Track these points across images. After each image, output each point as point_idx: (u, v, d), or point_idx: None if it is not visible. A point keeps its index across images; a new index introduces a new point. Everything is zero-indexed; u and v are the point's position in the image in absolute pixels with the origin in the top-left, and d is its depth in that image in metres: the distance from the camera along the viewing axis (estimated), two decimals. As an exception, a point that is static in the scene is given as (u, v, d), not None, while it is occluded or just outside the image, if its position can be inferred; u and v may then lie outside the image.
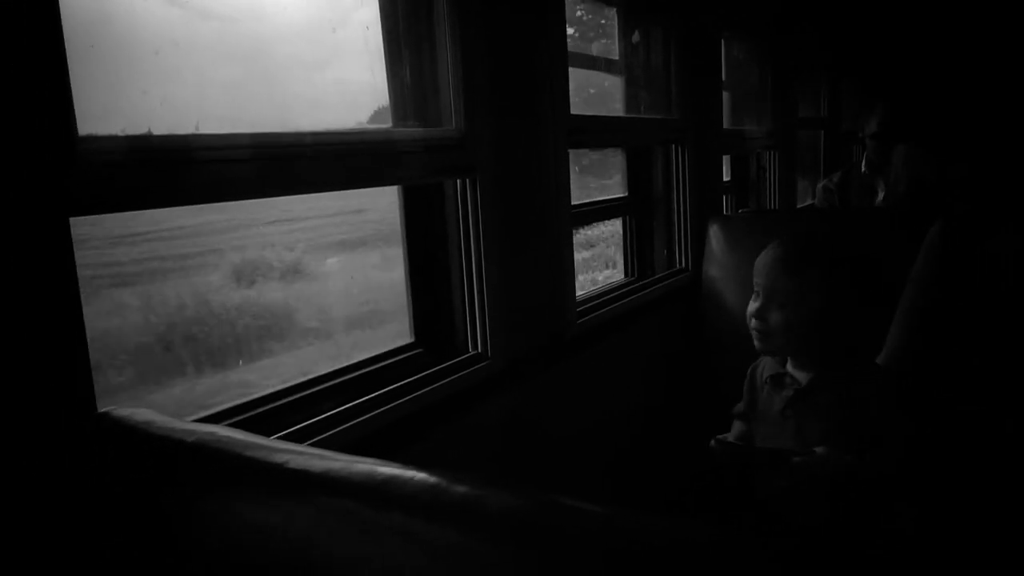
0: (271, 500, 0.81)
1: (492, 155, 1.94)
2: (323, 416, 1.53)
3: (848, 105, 6.24)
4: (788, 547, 0.66)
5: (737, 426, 1.98)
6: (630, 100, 2.99)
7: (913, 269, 2.28)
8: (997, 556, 1.81)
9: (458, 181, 1.91)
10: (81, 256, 1.10)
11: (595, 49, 3.13)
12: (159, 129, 1.30)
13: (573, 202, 2.32)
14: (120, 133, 1.23)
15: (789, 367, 1.88)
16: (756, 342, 1.85)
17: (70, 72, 1.09)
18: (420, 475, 0.75)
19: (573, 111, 2.28)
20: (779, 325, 1.78)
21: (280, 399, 1.56)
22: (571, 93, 2.28)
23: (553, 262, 2.21)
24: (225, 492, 0.84)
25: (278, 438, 1.42)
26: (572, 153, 2.30)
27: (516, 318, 2.04)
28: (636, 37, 2.99)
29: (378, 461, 0.80)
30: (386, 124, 1.86)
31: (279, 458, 0.83)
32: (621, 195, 3.02)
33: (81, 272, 1.10)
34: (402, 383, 1.73)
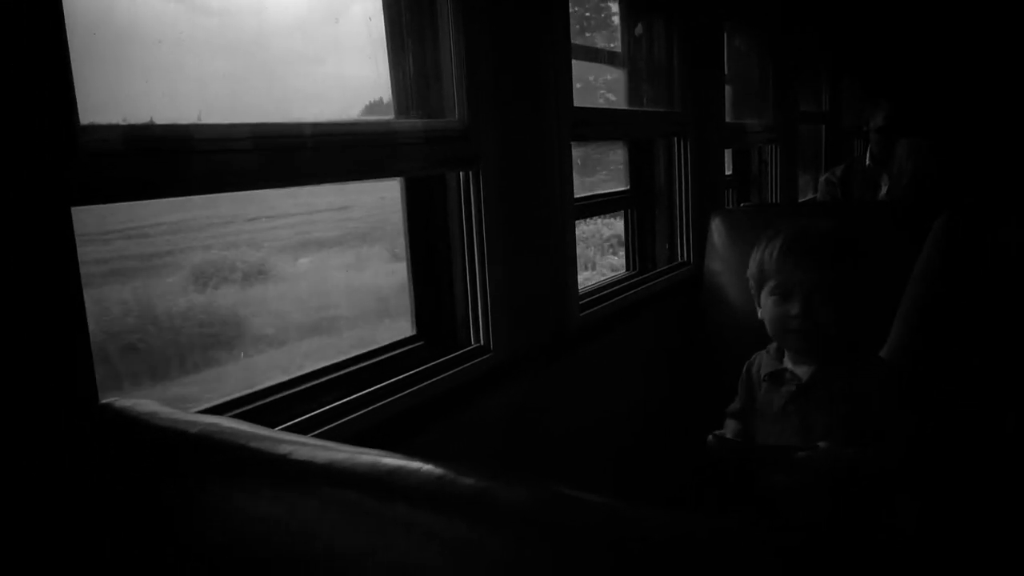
0: (274, 491, 0.80)
1: (495, 147, 1.93)
2: (325, 408, 1.53)
3: (849, 100, 6.24)
4: (793, 541, 0.65)
5: (732, 425, 1.95)
6: (632, 93, 2.98)
7: (917, 263, 2.27)
8: (998, 551, 1.80)
9: (461, 173, 1.90)
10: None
11: (591, 42, 3.12)
12: (161, 120, 1.29)
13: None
14: (122, 122, 1.22)
15: (788, 363, 1.86)
16: (796, 344, 1.80)
17: (72, 61, 1.09)
18: (426, 467, 0.75)
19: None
20: (830, 320, 1.75)
21: (282, 391, 1.55)
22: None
23: (555, 255, 2.20)
24: (228, 483, 0.84)
25: (282, 430, 1.42)
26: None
27: (518, 311, 2.03)
28: (639, 29, 2.98)
29: (382, 452, 0.79)
30: (381, 116, 1.86)
31: (283, 449, 0.82)
32: (622, 189, 3.01)
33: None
34: (404, 376, 1.73)
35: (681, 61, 3.04)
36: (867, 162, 4.10)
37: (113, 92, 1.33)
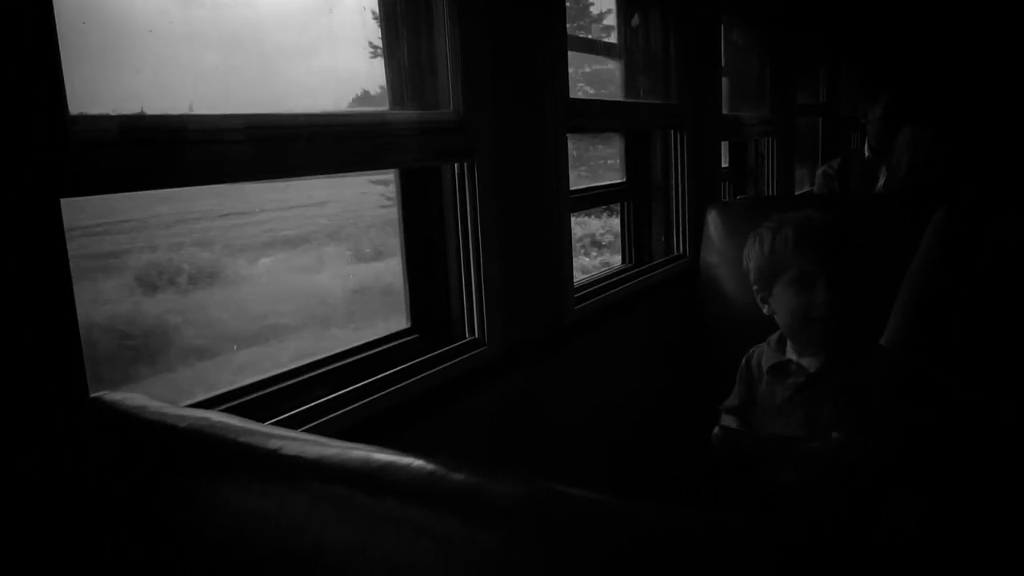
0: (265, 486, 0.80)
1: (491, 139, 1.92)
2: (318, 402, 1.52)
3: (847, 91, 6.23)
4: (791, 537, 0.65)
5: (729, 421, 1.94)
6: (628, 84, 2.97)
7: (916, 255, 2.26)
8: (1000, 545, 1.80)
9: (456, 165, 1.89)
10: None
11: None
12: (152, 110, 1.28)
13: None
14: (112, 113, 1.21)
15: (792, 355, 1.86)
16: (818, 334, 1.78)
17: (62, 51, 1.08)
18: (417, 462, 0.74)
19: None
20: (857, 307, 1.74)
21: (275, 384, 1.54)
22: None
23: (551, 247, 2.19)
24: (218, 478, 0.83)
25: (273, 423, 1.41)
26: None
27: (514, 303, 2.03)
28: (635, 21, 2.97)
29: (374, 448, 0.78)
30: (369, 107, 1.85)
31: (273, 444, 0.81)
32: (616, 182, 3.00)
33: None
34: (398, 369, 1.72)
35: (678, 53, 3.04)
36: (865, 154, 4.10)
37: (103, 83, 1.32)
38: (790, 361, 1.85)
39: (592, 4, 3.00)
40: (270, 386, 1.53)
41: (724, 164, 4.00)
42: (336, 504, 0.74)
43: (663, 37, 3.04)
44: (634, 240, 3.05)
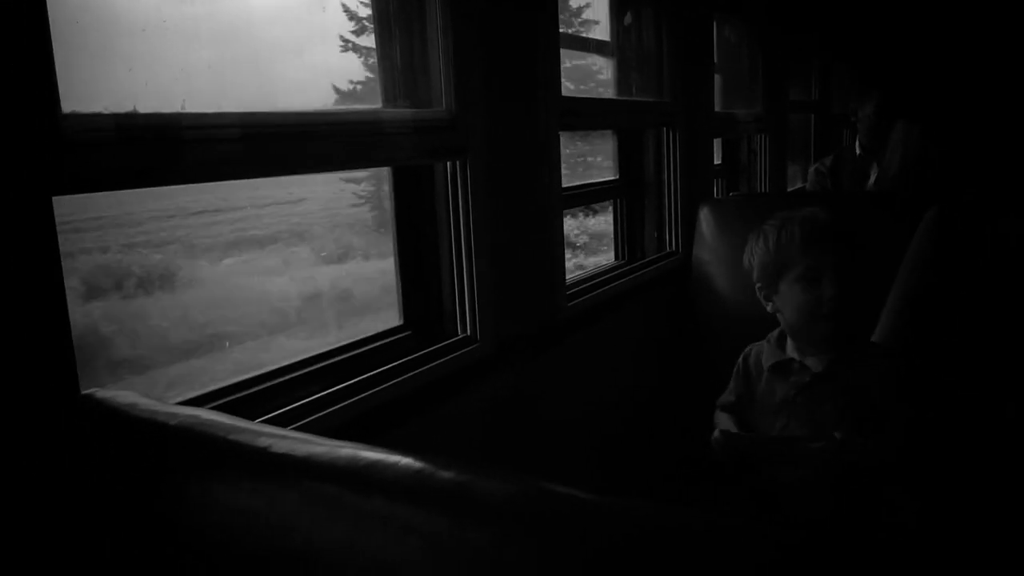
0: (254, 484, 0.80)
1: (483, 137, 1.92)
2: (310, 399, 1.52)
3: (839, 88, 6.24)
4: (786, 538, 0.65)
5: (724, 418, 1.93)
6: (621, 82, 2.98)
7: (908, 253, 2.27)
8: (1000, 545, 1.80)
9: (448, 163, 1.89)
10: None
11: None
12: (144, 109, 1.28)
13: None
14: (105, 111, 1.21)
15: (794, 354, 1.86)
16: (826, 331, 1.77)
17: (55, 49, 1.08)
18: (405, 460, 0.74)
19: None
20: (862, 303, 1.74)
21: (267, 381, 1.55)
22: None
23: (544, 244, 2.20)
24: (208, 475, 0.84)
25: (264, 421, 1.41)
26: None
27: (506, 301, 2.03)
28: (628, 19, 2.97)
29: (362, 446, 0.79)
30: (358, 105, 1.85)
31: (262, 442, 0.82)
32: (608, 179, 3.01)
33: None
34: (390, 366, 1.72)
35: (670, 51, 3.04)
36: (857, 152, 4.11)
37: (96, 80, 1.32)
38: (792, 360, 1.84)
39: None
40: (262, 383, 1.54)
41: (717, 161, 4.01)
42: (324, 502, 0.75)
43: (656, 35, 3.04)
44: (627, 237, 3.05)
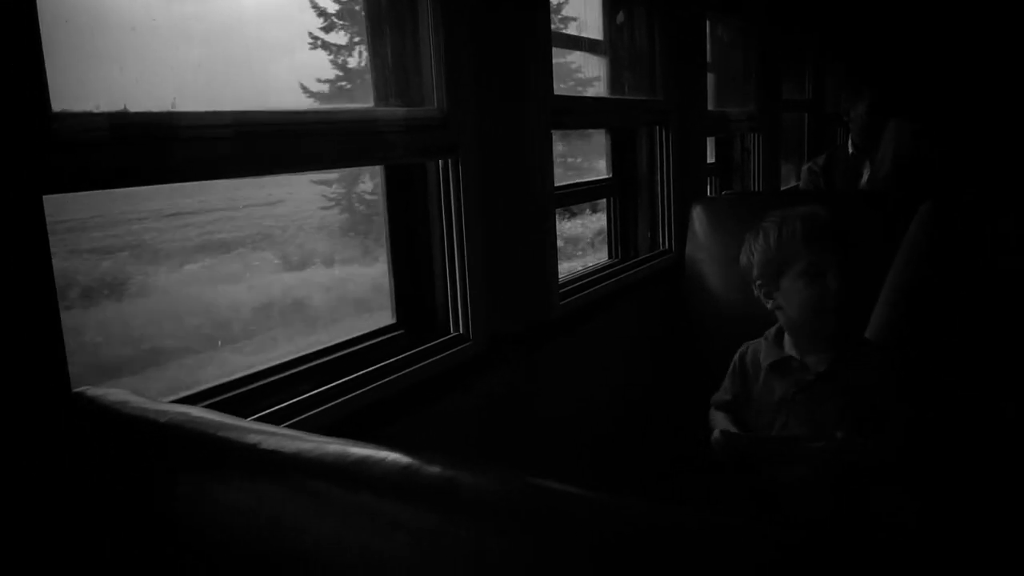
0: (243, 480, 0.81)
1: (475, 135, 1.93)
2: (302, 397, 1.53)
3: (833, 87, 6.25)
4: (788, 538, 0.65)
5: (720, 417, 1.93)
6: (614, 81, 2.98)
7: (901, 247, 2.27)
8: (1000, 546, 1.81)
9: (440, 161, 1.90)
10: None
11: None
12: (135, 107, 1.28)
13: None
14: (95, 110, 1.21)
15: (792, 352, 1.86)
16: (830, 326, 1.78)
17: (44, 47, 1.08)
18: (392, 456, 0.75)
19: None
20: (862, 298, 1.74)
21: (260, 380, 1.55)
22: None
23: (536, 243, 2.20)
24: (198, 472, 0.84)
25: (257, 419, 1.41)
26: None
27: (498, 299, 2.03)
28: (620, 18, 2.98)
29: (350, 442, 0.79)
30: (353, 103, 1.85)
31: (252, 439, 0.82)
32: (605, 176, 3.01)
33: None
34: (382, 365, 1.73)
35: (663, 49, 3.04)
36: (850, 151, 4.11)
37: (87, 79, 1.32)
38: (791, 358, 1.84)
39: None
40: (255, 381, 1.54)
41: (710, 160, 4.01)
42: (313, 497, 0.75)
43: (648, 34, 3.05)
44: (620, 235, 3.06)
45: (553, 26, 2.74)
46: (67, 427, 1.01)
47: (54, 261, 1.06)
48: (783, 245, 1.78)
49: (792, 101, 5.47)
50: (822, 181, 4.16)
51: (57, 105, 1.11)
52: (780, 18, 4.56)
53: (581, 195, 2.90)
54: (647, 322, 2.93)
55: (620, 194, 3.05)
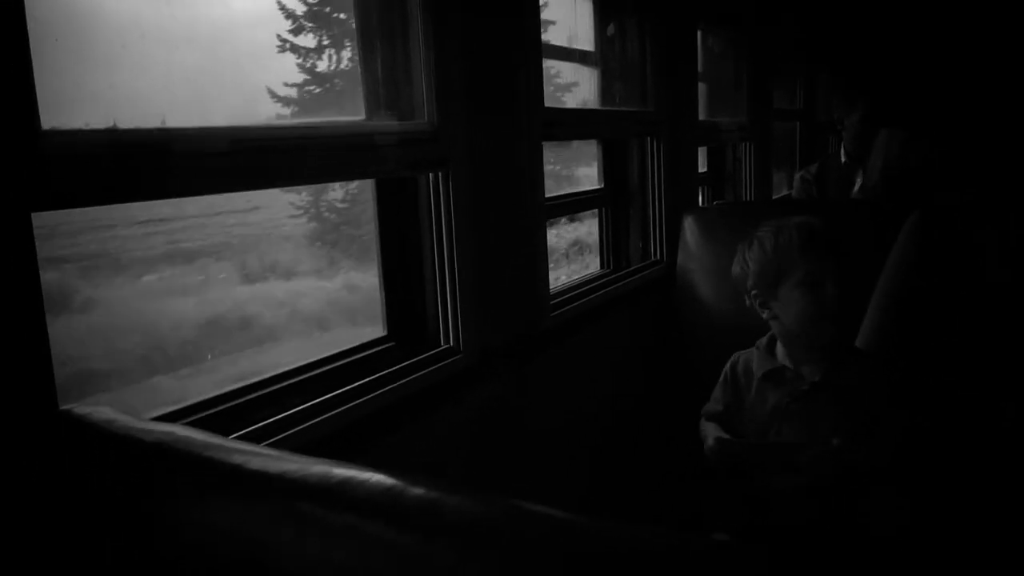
0: (227, 500, 0.81)
1: (465, 148, 1.93)
2: (291, 412, 1.53)
3: (824, 96, 6.27)
4: (760, 558, 0.65)
5: (711, 428, 1.92)
6: (605, 92, 2.99)
7: (890, 258, 2.28)
8: (999, 548, 1.81)
9: (431, 174, 1.90)
10: None
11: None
12: (125, 122, 1.29)
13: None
14: (84, 127, 1.22)
15: (785, 361, 1.86)
16: (827, 335, 1.79)
17: (34, 65, 1.08)
18: (376, 477, 0.75)
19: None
20: (857, 306, 1.74)
21: (250, 393, 1.55)
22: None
23: (527, 254, 2.20)
24: (182, 492, 0.84)
25: (246, 434, 1.41)
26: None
27: (489, 311, 2.04)
28: (611, 29, 2.99)
29: (335, 462, 0.80)
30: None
31: (236, 459, 0.83)
32: (589, 185, 3.02)
33: None
34: (372, 378, 1.73)
35: (654, 60, 3.05)
36: (842, 159, 4.13)
37: (76, 93, 1.32)
38: (785, 368, 1.85)
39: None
40: (245, 395, 1.54)
41: (702, 169, 4.03)
42: (297, 518, 0.75)
43: (639, 45, 3.06)
44: (611, 246, 3.07)
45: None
46: (53, 445, 1.01)
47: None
48: (779, 254, 1.79)
49: (783, 110, 5.49)
50: (815, 190, 4.17)
51: (47, 122, 1.11)
52: (771, 28, 4.57)
53: (573, 206, 2.91)
54: (639, 332, 2.93)
55: (612, 204, 3.06)
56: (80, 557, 0.92)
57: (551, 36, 2.85)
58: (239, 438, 1.35)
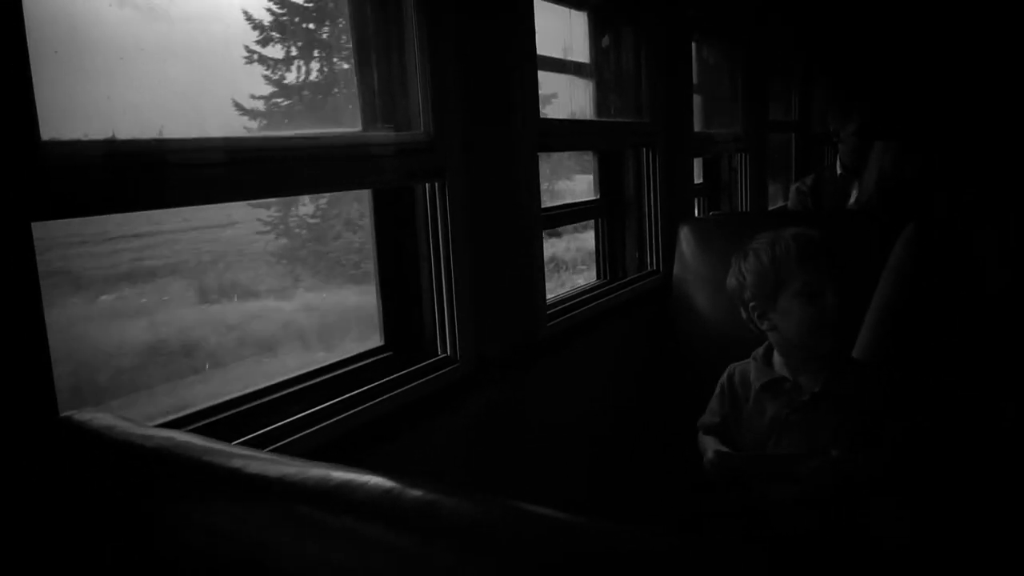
0: (227, 505, 0.81)
1: (461, 158, 1.94)
2: (289, 420, 1.53)
3: (819, 107, 6.29)
4: (759, 557, 0.65)
5: (710, 441, 1.92)
6: (600, 103, 3.00)
7: (886, 270, 2.29)
8: (999, 550, 1.81)
9: (427, 185, 1.91)
10: None
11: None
12: (123, 133, 1.30)
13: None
14: (83, 137, 1.23)
15: (783, 372, 1.87)
16: (827, 344, 1.80)
17: (33, 76, 1.10)
18: (374, 480, 0.76)
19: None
20: (857, 314, 1.75)
21: (249, 402, 1.56)
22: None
23: (523, 264, 2.21)
24: (182, 496, 0.85)
25: (245, 441, 1.42)
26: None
27: (485, 320, 2.04)
28: (606, 41, 3.01)
29: (333, 465, 0.80)
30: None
31: (236, 463, 0.83)
32: (591, 198, 3.03)
33: None
34: (369, 387, 1.73)
35: (649, 72, 3.07)
36: (838, 171, 4.14)
37: (73, 104, 1.32)
38: (784, 379, 1.85)
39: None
40: (244, 404, 1.55)
41: (698, 180, 4.04)
42: (296, 521, 0.76)
43: (634, 56, 3.07)
44: (608, 256, 3.08)
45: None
46: (54, 451, 1.02)
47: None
48: (777, 266, 1.80)
49: (779, 122, 5.51)
50: (810, 201, 4.18)
51: (46, 133, 1.12)
52: (766, 40, 4.59)
53: (569, 216, 2.92)
54: (635, 342, 2.94)
55: (608, 215, 3.07)
56: (81, 561, 0.92)
57: (546, 48, 2.86)
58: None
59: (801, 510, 1.77)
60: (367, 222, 1.91)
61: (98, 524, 0.92)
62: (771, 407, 1.85)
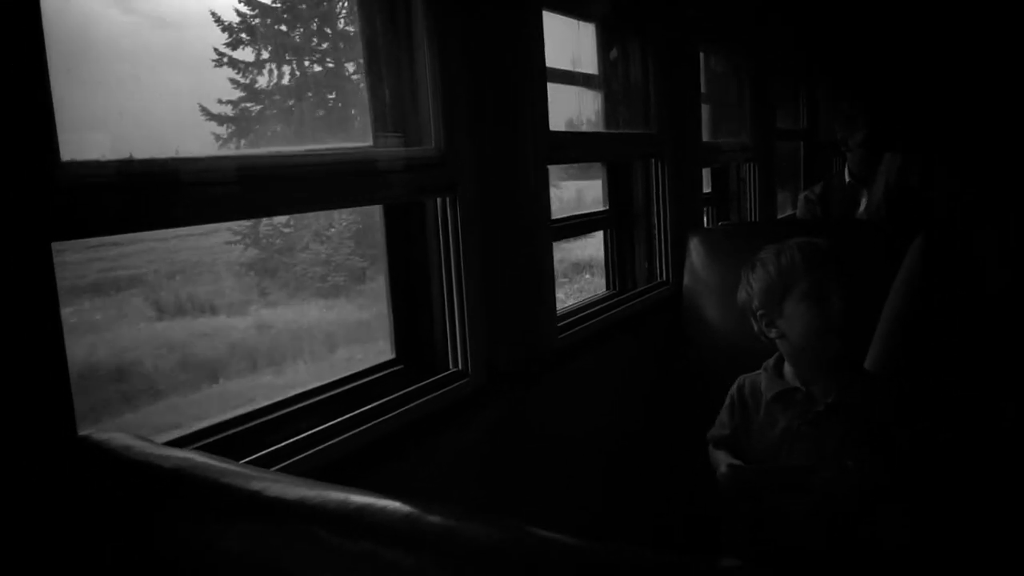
0: (246, 527, 0.82)
1: (472, 173, 1.95)
2: (301, 436, 1.54)
3: (827, 116, 6.29)
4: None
5: (721, 455, 1.91)
6: (608, 115, 3.01)
7: (896, 281, 2.29)
8: (1000, 552, 1.80)
9: (439, 199, 1.92)
10: None
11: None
12: (140, 152, 1.31)
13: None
14: (101, 158, 1.24)
15: (795, 382, 1.86)
16: (834, 349, 1.80)
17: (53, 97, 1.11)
18: (394, 504, 0.76)
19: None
20: (862, 322, 1.75)
21: (260, 417, 1.56)
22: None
23: (533, 277, 2.21)
24: (200, 518, 0.85)
25: (256, 458, 1.43)
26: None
27: (497, 334, 2.05)
28: (614, 53, 3.02)
29: (352, 489, 0.81)
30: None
31: (255, 485, 0.84)
32: (601, 209, 3.04)
33: None
34: (381, 402, 1.74)
35: (657, 83, 3.07)
36: (846, 179, 4.14)
37: (85, 119, 1.34)
38: (796, 389, 1.85)
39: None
40: (255, 419, 1.55)
41: (706, 190, 4.05)
42: (314, 545, 0.76)
43: (642, 68, 3.08)
44: (617, 267, 3.08)
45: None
46: (73, 470, 1.03)
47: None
48: (783, 271, 1.81)
49: (786, 130, 5.51)
50: (819, 210, 4.19)
51: (64, 154, 1.14)
52: (773, 50, 4.60)
53: (579, 228, 2.93)
54: (646, 354, 2.94)
55: (617, 226, 3.07)
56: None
57: (555, 60, 2.87)
58: (248, 464, 1.36)
59: (812, 521, 1.77)
60: (333, 232, 1.88)
61: (116, 544, 0.92)
62: (783, 418, 1.85)
